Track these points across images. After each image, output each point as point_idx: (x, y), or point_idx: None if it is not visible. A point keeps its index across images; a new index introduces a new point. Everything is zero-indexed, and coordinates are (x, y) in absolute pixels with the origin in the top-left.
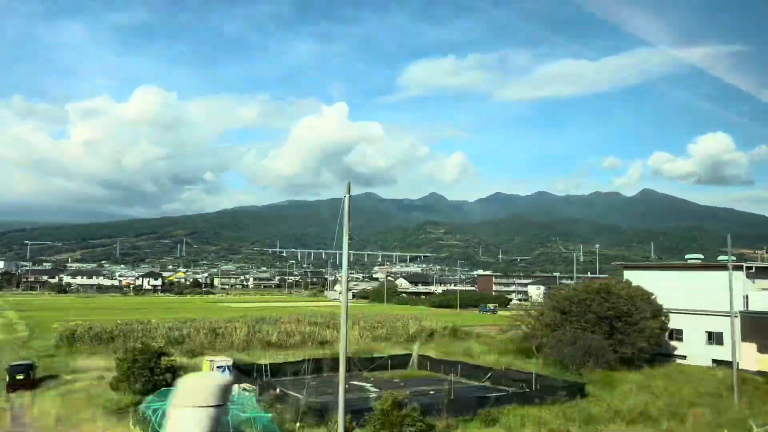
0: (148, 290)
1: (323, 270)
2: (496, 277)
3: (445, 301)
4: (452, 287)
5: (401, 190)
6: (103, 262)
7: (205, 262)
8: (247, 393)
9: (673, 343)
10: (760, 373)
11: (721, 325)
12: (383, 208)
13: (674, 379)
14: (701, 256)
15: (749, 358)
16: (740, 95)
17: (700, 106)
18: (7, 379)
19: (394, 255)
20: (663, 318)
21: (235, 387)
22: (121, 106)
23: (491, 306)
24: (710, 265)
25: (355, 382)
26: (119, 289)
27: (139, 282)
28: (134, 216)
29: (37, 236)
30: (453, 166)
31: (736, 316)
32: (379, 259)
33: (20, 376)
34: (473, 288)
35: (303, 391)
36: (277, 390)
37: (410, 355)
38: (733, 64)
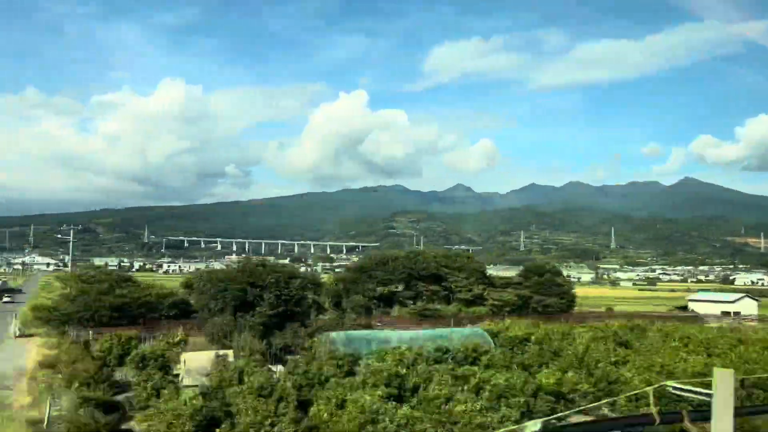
0: None
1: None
2: None
3: None
4: None
5: (426, 181)
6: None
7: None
8: None
9: None
10: None
11: None
12: (402, 200)
13: None
14: None
15: None
16: None
17: (752, 86)
18: None
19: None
20: None
21: None
22: (147, 100)
23: None
24: None
25: None
26: None
27: None
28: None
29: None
30: (480, 156)
31: None
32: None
33: None
34: None
35: None
36: None
37: None
38: None
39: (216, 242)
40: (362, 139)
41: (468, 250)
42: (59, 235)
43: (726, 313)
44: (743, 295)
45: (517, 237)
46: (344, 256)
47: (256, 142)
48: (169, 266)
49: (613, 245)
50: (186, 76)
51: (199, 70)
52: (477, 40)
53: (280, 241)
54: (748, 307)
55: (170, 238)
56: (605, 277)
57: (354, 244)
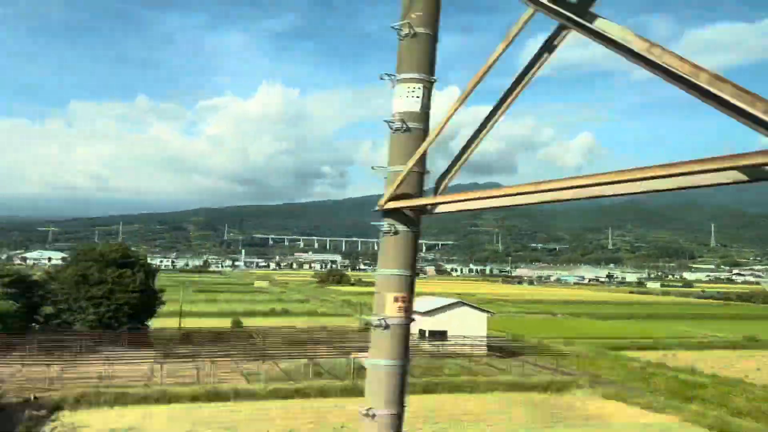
0: None
1: None
2: None
3: None
4: None
5: (523, 178)
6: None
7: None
8: None
9: None
10: None
11: None
12: None
13: None
14: None
15: None
16: None
17: None
18: None
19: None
20: None
21: None
22: (248, 103)
23: None
24: None
25: None
26: None
27: None
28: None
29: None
30: (580, 150)
31: None
32: None
33: None
34: None
35: None
36: None
37: None
38: None
39: (299, 240)
40: (453, 136)
41: (555, 249)
42: (150, 233)
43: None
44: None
45: (609, 234)
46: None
47: (351, 142)
48: (238, 264)
49: (712, 243)
50: (284, 79)
51: (295, 74)
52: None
53: (360, 240)
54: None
55: (255, 235)
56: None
57: (434, 242)
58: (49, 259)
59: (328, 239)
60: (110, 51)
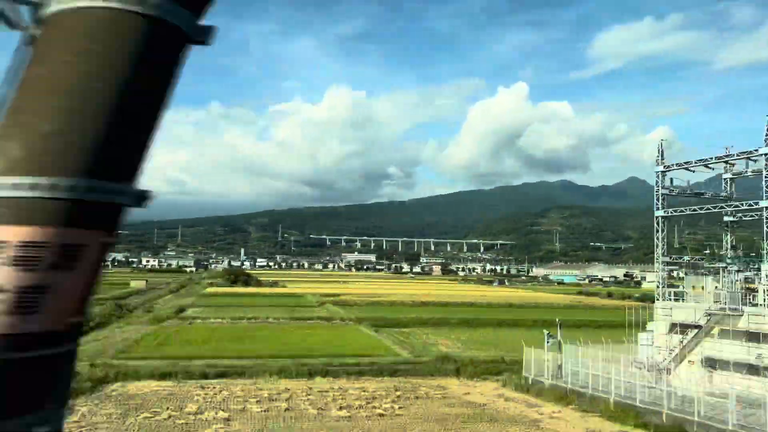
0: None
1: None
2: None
3: None
4: None
5: (596, 175)
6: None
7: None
8: None
9: None
10: None
11: None
12: (564, 195)
13: None
14: None
15: None
16: None
17: None
18: None
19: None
20: None
21: None
22: (316, 107)
23: None
24: None
25: None
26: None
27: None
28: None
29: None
30: (657, 145)
31: None
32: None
33: None
34: None
35: None
36: None
37: None
38: None
39: (356, 241)
40: (522, 134)
41: (620, 248)
42: (212, 235)
43: None
44: None
45: (679, 233)
46: (475, 255)
47: (417, 143)
48: (285, 265)
49: None
50: (351, 82)
51: (363, 76)
52: (650, 21)
53: (416, 240)
54: None
55: (312, 236)
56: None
57: (492, 242)
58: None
59: (384, 239)
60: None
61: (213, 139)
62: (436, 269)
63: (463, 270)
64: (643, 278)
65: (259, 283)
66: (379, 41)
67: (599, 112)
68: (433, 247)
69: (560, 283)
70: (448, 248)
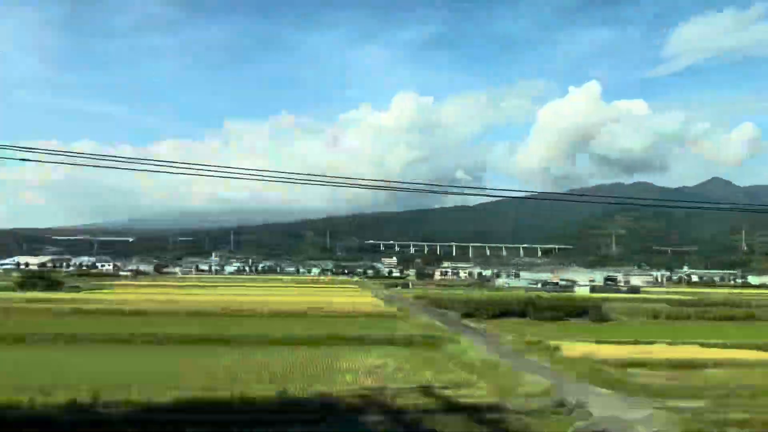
0: None
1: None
2: None
3: None
4: None
5: (676, 176)
6: None
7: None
8: None
9: None
10: None
11: None
12: (637, 197)
13: None
14: None
15: None
16: None
17: None
18: None
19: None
20: None
21: None
22: (383, 115)
23: None
24: None
25: None
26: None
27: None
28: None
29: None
30: (742, 144)
31: None
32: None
33: None
34: None
35: None
36: None
37: None
38: None
39: (409, 246)
40: (595, 135)
41: (686, 251)
42: (267, 240)
43: None
44: None
45: (751, 236)
46: (525, 260)
47: (485, 147)
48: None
49: None
50: (418, 88)
51: (430, 82)
52: (732, 11)
53: (471, 245)
54: None
55: (367, 242)
56: None
57: (551, 246)
58: None
59: (438, 244)
60: (258, 71)
61: (285, 148)
62: (437, 274)
63: (454, 274)
64: (627, 282)
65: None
66: (447, 46)
67: (677, 110)
68: (488, 252)
69: (518, 287)
70: (504, 252)
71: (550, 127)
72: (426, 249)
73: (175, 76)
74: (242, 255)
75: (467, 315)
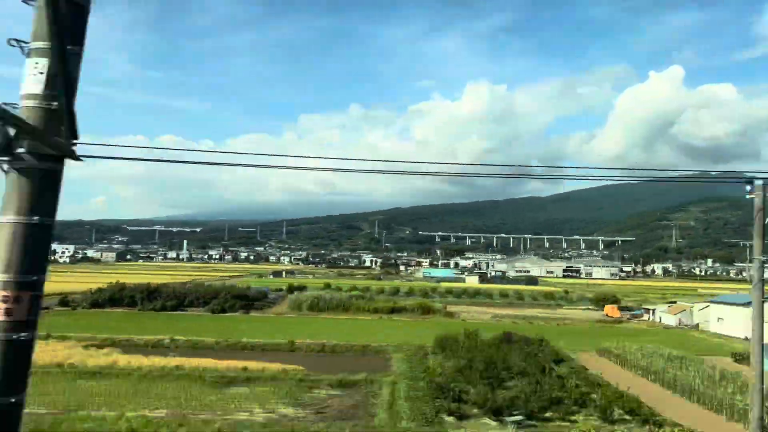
0: None
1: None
2: None
3: None
4: None
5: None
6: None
7: None
8: None
9: None
10: None
11: None
12: (722, 187)
13: None
14: None
15: None
16: None
17: None
18: None
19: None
20: None
21: None
22: (455, 104)
23: None
24: None
25: None
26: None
27: None
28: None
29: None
30: None
31: None
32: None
33: None
34: None
35: None
36: None
37: None
38: None
39: (465, 238)
40: (677, 121)
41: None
42: (325, 231)
43: None
44: None
45: None
46: (589, 253)
47: (560, 136)
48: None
49: None
50: (492, 76)
51: (503, 70)
52: None
53: (529, 236)
54: None
55: (421, 233)
56: None
57: (613, 238)
58: None
59: (494, 236)
60: (332, 65)
61: (356, 140)
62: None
63: (445, 265)
64: (588, 274)
65: None
66: (522, 33)
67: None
68: (547, 244)
69: (430, 277)
70: (564, 245)
71: (628, 114)
72: (483, 239)
73: (253, 73)
74: (291, 245)
75: None
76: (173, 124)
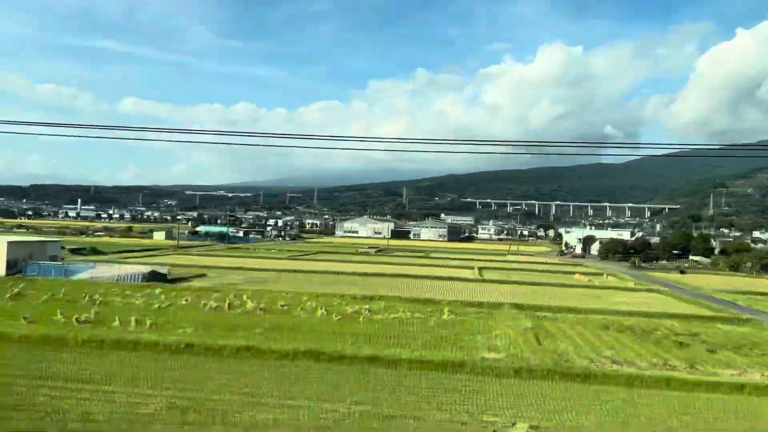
0: None
1: None
2: None
3: None
4: None
5: None
6: None
7: None
8: None
9: None
10: None
11: None
12: None
13: None
14: None
15: None
16: None
17: None
18: None
19: None
20: None
21: None
22: (528, 68)
23: None
24: None
25: None
26: None
27: None
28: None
29: None
30: None
31: None
32: None
33: None
34: None
35: None
36: None
37: None
38: None
39: (506, 205)
40: (760, 83)
41: None
42: (364, 198)
43: None
44: None
45: None
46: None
47: (638, 100)
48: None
49: None
50: (567, 38)
51: (579, 31)
52: None
53: (576, 203)
54: None
55: (462, 199)
56: None
57: (661, 206)
58: None
59: (537, 203)
60: (402, 29)
61: (424, 107)
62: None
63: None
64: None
65: None
66: None
67: None
68: (591, 212)
69: (207, 234)
70: (608, 212)
71: (711, 75)
72: (524, 206)
73: (326, 40)
74: (317, 211)
75: None
76: (248, 92)
